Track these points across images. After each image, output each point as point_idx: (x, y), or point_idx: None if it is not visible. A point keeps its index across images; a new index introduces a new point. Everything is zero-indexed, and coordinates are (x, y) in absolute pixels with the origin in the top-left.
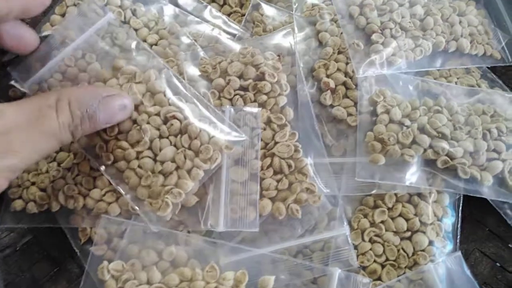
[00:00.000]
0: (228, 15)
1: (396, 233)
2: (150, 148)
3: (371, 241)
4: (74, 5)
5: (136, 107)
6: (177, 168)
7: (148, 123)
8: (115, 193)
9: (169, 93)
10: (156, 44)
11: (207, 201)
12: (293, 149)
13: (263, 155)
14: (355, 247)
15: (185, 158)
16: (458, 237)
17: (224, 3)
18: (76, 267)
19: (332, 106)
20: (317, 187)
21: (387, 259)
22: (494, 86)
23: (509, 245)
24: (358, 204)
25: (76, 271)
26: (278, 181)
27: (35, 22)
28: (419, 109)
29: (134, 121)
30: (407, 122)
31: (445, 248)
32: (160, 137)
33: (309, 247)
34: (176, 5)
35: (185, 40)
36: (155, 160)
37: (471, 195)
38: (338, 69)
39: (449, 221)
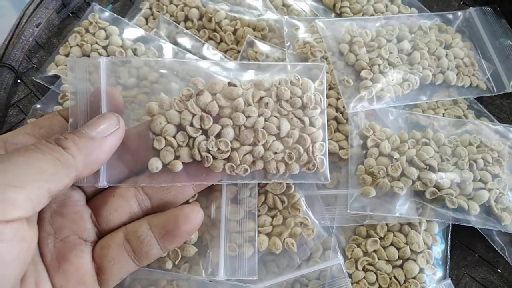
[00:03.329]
0: (225, 52)
1: (388, 261)
2: None
3: (364, 269)
4: (78, 45)
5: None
6: None
7: None
8: None
9: None
10: (156, 82)
11: (207, 248)
12: (285, 185)
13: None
14: (349, 276)
15: None
16: (448, 264)
17: (221, 41)
18: None
19: None
20: (310, 221)
21: (380, 287)
22: (481, 116)
23: (498, 270)
24: (351, 234)
25: None
26: (272, 217)
27: (40, 62)
28: (408, 142)
29: None
30: (396, 155)
31: (435, 275)
32: None
33: (305, 276)
34: (175, 43)
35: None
36: None
37: (460, 224)
38: (330, 105)
39: (439, 248)
